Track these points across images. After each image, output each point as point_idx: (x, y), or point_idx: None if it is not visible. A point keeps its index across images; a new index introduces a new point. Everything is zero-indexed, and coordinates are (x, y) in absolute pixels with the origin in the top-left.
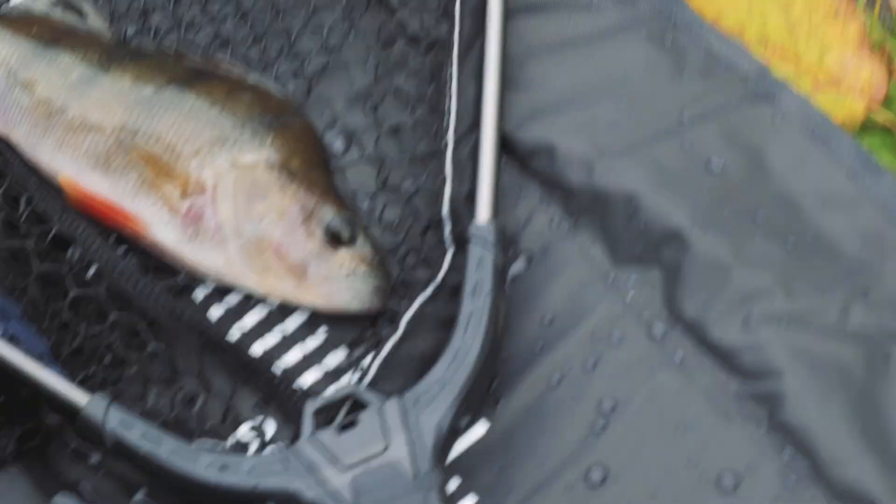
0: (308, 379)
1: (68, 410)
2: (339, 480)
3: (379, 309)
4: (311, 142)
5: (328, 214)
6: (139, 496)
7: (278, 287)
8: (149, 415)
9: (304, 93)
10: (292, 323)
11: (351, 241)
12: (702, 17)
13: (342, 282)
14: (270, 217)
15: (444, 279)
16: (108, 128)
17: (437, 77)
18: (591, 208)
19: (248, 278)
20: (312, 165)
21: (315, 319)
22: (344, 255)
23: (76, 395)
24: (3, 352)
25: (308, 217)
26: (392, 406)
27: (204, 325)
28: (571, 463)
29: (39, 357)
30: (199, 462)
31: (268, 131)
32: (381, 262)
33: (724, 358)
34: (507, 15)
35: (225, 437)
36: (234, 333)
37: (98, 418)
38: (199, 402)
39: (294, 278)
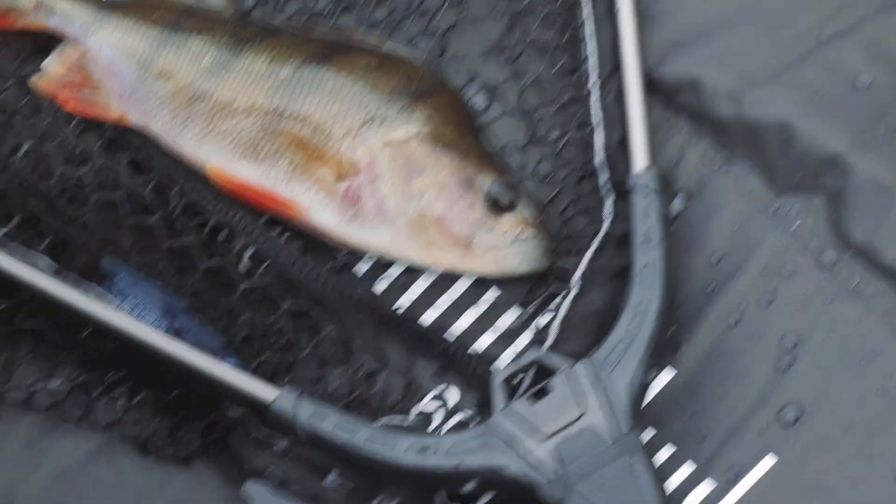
0: (483, 343)
1: (256, 405)
2: (541, 451)
3: (547, 267)
4: (457, 107)
5: (486, 182)
6: (331, 478)
7: (445, 259)
8: (330, 397)
9: (438, 51)
10: (459, 288)
11: (512, 204)
12: None
13: (509, 247)
14: (430, 192)
15: (608, 230)
16: (251, 113)
17: (570, 20)
18: (744, 140)
19: (414, 253)
20: (462, 131)
21: (482, 282)
22: (508, 220)
23: (263, 390)
24: (182, 352)
25: (467, 187)
26: (581, 369)
27: (372, 300)
28: (762, 404)
29: (214, 351)
30: (397, 447)
31: (414, 103)
32: (543, 221)
33: None
34: None
35: (408, 411)
36: (403, 305)
37: (289, 411)
38: (380, 379)
39: (460, 249)
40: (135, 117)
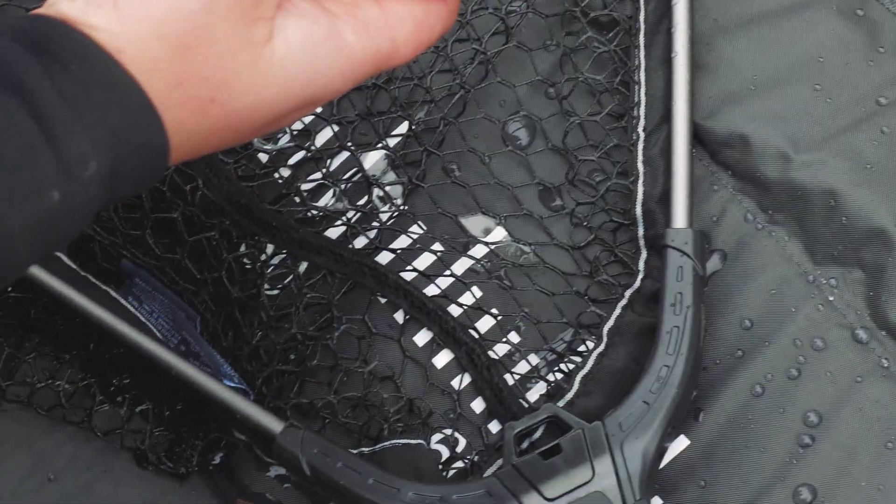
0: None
1: (261, 436)
2: None
3: None
4: None
5: None
6: None
7: None
8: (337, 412)
9: (482, 77)
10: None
11: None
12: None
13: None
14: None
15: (638, 286)
16: None
17: (623, 63)
18: (788, 203)
19: None
20: None
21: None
22: None
23: (269, 422)
24: (189, 371)
25: None
26: (596, 430)
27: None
28: (778, 481)
29: (219, 368)
30: (401, 494)
31: None
32: None
33: None
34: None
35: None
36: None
37: (294, 447)
38: (389, 408)
39: None
40: None
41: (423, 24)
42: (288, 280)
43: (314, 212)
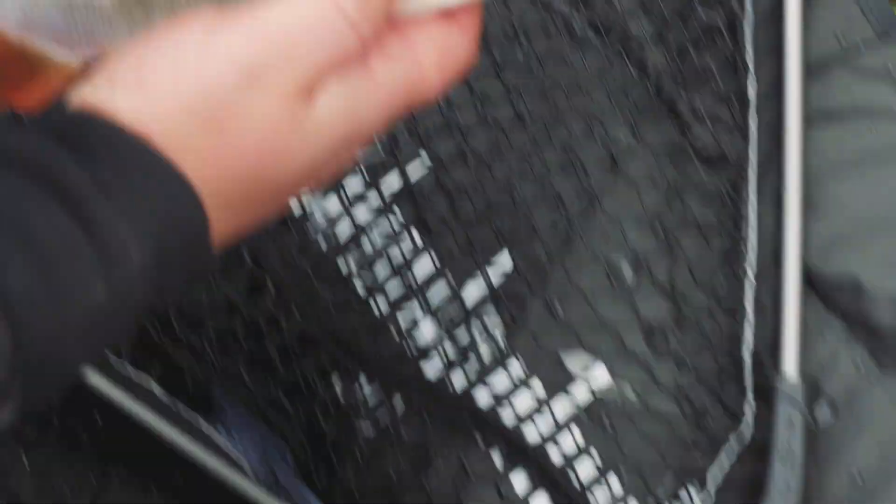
0: None
1: None
2: None
3: None
4: None
5: None
6: None
7: None
8: None
9: (587, 209)
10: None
11: None
12: None
13: None
14: None
15: (746, 433)
16: None
17: (735, 202)
18: None
19: None
20: None
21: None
22: None
23: None
24: None
25: None
26: None
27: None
28: None
29: None
30: None
31: None
32: None
33: None
34: (807, 134)
35: None
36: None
37: None
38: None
39: None
40: None
41: (445, 49)
42: (383, 419)
43: (413, 348)
